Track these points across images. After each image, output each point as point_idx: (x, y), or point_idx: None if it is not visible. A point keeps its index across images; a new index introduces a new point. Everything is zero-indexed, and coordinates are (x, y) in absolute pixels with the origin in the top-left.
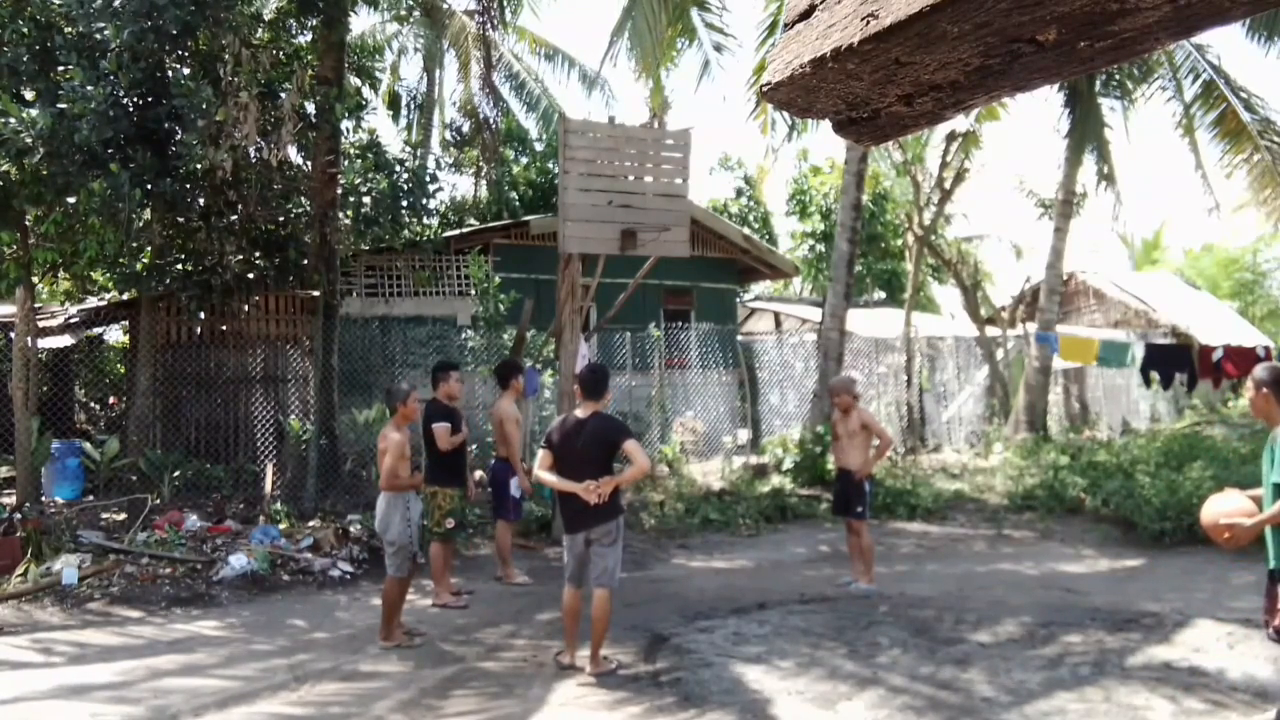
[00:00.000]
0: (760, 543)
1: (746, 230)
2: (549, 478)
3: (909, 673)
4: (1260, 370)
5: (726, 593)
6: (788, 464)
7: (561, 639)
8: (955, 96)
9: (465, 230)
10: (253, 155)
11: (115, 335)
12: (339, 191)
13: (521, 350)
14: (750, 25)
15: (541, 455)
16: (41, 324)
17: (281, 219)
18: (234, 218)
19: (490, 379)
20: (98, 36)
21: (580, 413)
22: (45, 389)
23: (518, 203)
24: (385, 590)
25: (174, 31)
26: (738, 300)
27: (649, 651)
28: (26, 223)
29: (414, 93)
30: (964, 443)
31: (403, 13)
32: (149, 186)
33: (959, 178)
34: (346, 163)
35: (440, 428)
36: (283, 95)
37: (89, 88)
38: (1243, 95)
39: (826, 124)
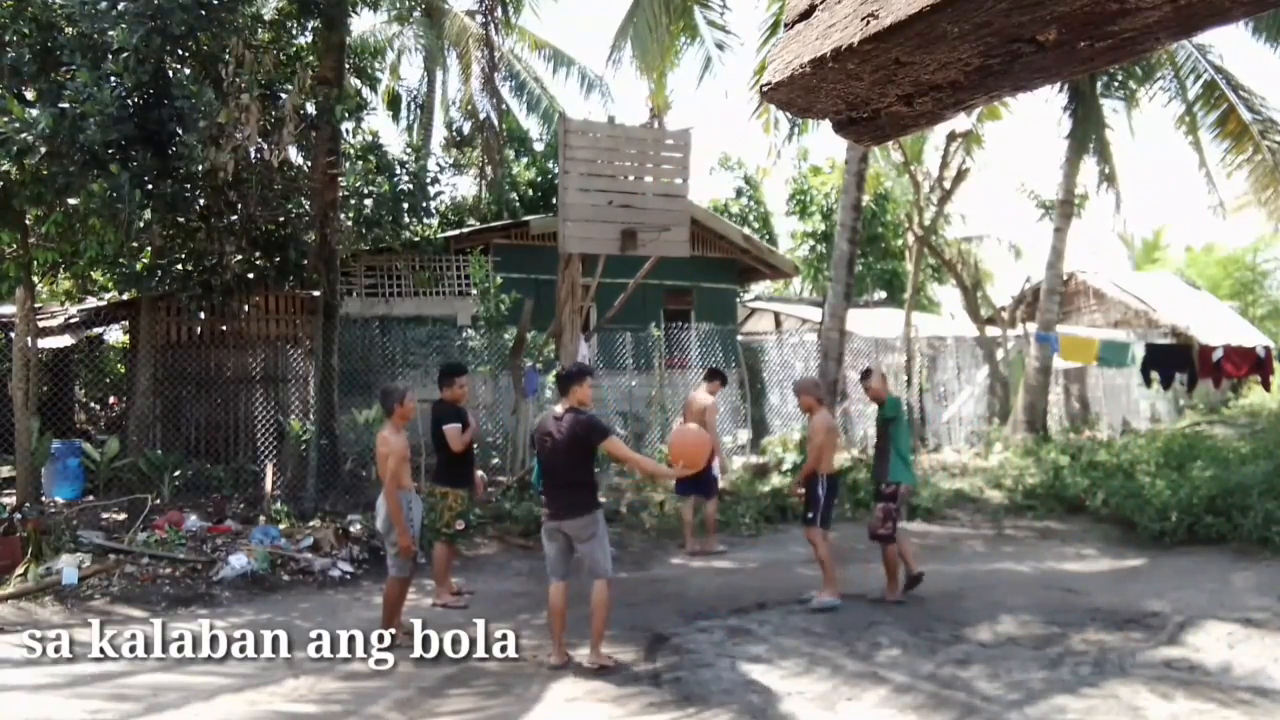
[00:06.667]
0: (760, 543)
1: (746, 230)
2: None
3: (910, 672)
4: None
5: (726, 593)
6: (788, 464)
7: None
8: (955, 96)
9: (465, 230)
10: (253, 156)
11: (115, 335)
12: (340, 193)
13: (521, 350)
14: (752, 25)
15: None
16: (41, 324)
17: (282, 219)
18: (234, 218)
19: (490, 379)
20: (97, 38)
21: (559, 409)
22: (45, 389)
23: (518, 203)
24: (386, 590)
25: (178, 33)
26: (738, 300)
27: (649, 651)
28: (27, 223)
29: (414, 93)
30: (964, 443)
31: (403, 13)
32: (150, 187)
33: (959, 178)
34: (348, 164)
35: (452, 429)
36: (283, 96)
37: (94, 88)
38: (1244, 95)
39: (827, 124)
